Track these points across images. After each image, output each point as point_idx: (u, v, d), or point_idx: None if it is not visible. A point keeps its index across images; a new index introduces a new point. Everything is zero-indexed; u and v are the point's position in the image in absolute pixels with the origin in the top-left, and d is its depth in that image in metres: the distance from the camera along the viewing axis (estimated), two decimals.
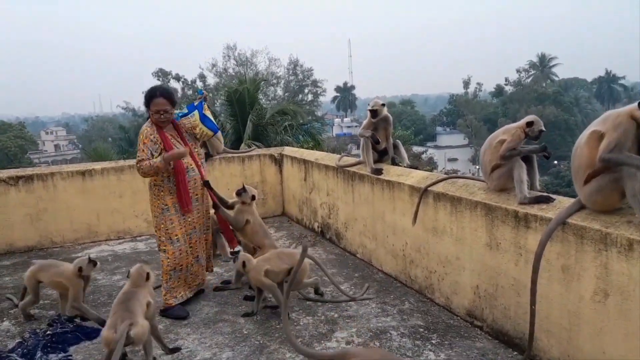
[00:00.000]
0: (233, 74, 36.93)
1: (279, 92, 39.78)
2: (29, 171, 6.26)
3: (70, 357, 3.46)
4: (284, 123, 17.44)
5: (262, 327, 3.79)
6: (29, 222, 6.06)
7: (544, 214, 3.01)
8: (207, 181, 4.23)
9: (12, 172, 6.23)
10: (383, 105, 4.79)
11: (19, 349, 3.56)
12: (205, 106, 4.27)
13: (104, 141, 40.53)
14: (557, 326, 2.95)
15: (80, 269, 3.84)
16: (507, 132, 3.44)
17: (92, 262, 3.92)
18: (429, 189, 4.00)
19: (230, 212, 4.45)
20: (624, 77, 67.65)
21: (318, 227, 6.25)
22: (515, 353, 3.25)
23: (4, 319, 4.17)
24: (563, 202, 3.04)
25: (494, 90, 62.94)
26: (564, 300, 2.90)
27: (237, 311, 4.09)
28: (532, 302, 2.92)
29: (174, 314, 4.01)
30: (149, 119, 4.04)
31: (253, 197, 4.42)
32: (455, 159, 55.63)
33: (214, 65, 37.95)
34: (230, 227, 4.43)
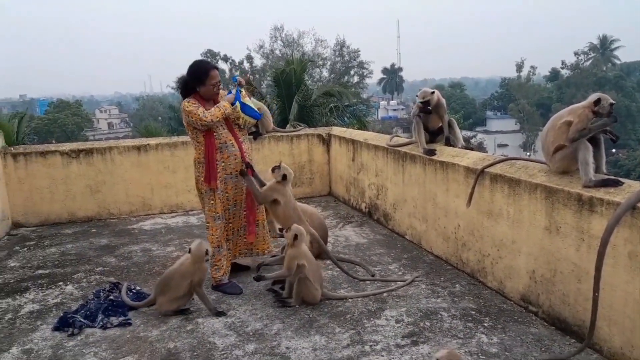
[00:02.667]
0: (280, 55, 37.06)
1: (325, 73, 39.63)
2: (88, 145, 6.54)
3: (129, 320, 3.63)
4: (329, 105, 17.40)
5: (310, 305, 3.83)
6: (89, 194, 6.36)
7: (612, 198, 2.86)
8: (249, 163, 4.15)
9: (74, 145, 6.51)
10: (432, 93, 4.62)
11: (82, 311, 3.76)
12: (243, 93, 4.16)
13: (154, 120, 41.80)
14: (621, 315, 2.82)
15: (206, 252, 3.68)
16: (572, 113, 3.27)
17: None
18: (485, 170, 3.88)
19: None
20: None
21: (365, 207, 6.22)
22: (573, 340, 3.14)
23: (68, 283, 4.40)
24: (633, 186, 2.88)
25: (549, 74, 60.24)
26: (629, 288, 2.76)
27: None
28: (596, 289, 2.79)
29: (228, 290, 4.08)
30: (191, 96, 3.98)
31: (284, 177, 4.10)
32: (505, 145, 53.95)
33: (261, 47, 38.20)
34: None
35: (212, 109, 3.93)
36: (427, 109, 4.60)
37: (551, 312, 3.35)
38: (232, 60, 39.77)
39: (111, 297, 3.95)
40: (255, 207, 4.26)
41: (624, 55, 63.09)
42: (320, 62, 37.61)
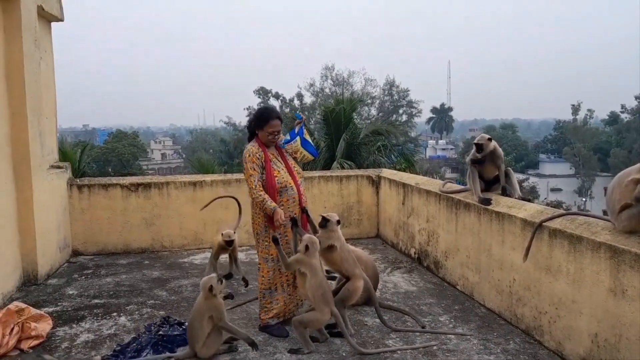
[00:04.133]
0: (329, 93, 37.79)
1: (373, 111, 40.00)
2: (147, 179, 6.83)
3: (172, 358, 3.65)
4: (377, 143, 17.45)
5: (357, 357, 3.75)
6: (144, 226, 6.60)
7: None
8: (305, 208, 4.19)
9: (134, 179, 6.83)
10: (490, 139, 4.59)
11: (134, 344, 3.85)
12: (305, 130, 4.30)
13: (206, 152, 43.26)
14: None
15: (210, 288, 3.70)
16: None
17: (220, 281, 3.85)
18: (544, 224, 3.76)
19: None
20: None
21: (415, 253, 6.11)
22: None
23: (122, 314, 4.54)
24: None
25: (607, 117, 58.12)
26: None
27: (332, 332, 4.09)
28: None
29: (274, 332, 4.06)
30: (254, 139, 4.14)
31: (338, 222, 4.16)
32: (559, 189, 51.95)
33: (311, 85, 39.17)
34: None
35: (261, 193, 3.93)
36: (479, 155, 4.55)
37: None
38: (283, 97, 40.91)
39: (161, 332, 4.02)
40: None
41: None
42: (369, 101, 38.03)
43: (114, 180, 6.72)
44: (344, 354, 3.71)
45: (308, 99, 39.07)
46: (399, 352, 3.73)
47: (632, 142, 44.35)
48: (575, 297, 3.48)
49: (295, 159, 4.33)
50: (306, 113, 35.02)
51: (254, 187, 3.99)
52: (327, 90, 38.82)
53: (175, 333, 4.01)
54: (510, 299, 4.20)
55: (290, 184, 4.11)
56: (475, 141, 4.59)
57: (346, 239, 5.72)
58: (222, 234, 5.17)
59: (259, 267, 4.16)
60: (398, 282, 5.35)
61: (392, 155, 17.80)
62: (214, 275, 3.84)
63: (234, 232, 5.25)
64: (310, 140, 4.36)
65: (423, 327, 4.15)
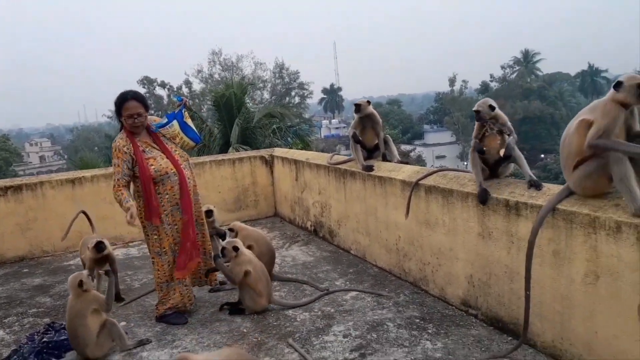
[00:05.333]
0: (219, 79, 36.93)
1: (266, 95, 39.90)
2: (17, 181, 6.21)
3: None
4: (272, 126, 17.50)
5: (260, 325, 3.81)
6: (19, 232, 6.01)
7: (534, 202, 3.07)
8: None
9: (1, 182, 6.16)
10: (368, 102, 4.84)
11: (15, 357, 3.54)
12: (186, 114, 4.04)
13: (90, 151, 40.18)
14: (550, 310, 3.01)
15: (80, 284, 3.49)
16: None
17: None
18: (420, 182, 4.05)
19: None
20: (606, 70, 68.53)
21: (311, 225, 6.27)
22: (510, 338, 3.30)
23: None
24: (552, 189, 3.10)
25: (479, 87, 63.47)
26: (556, 285, 2.95)
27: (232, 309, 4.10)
28: (527, 288, 2.97)
29: (172, 320, 3.95)
30: (122, 130, 3.88)
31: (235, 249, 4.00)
32: (443, 156, 55.95)
33: (199, 71, 37.98)
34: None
35: (119, 192, 3.74)
36: (357, 114, 4.85)
37: (489, 313, 3.51)
38: (170, 86, 39.20)
39: (45, 339, 3.73)
40: (199, 236, 4.13)
41: (545, 67, 67.81)
42: (261, 85, 37.81)
43: None
44: (244, 330, 3.74)
45: (197, 85, 37.88)
46: (298, 319, 3.85)
47: (501, 107, 48.65)
48: (451, 245, 3.82)
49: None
50: (197, 100, 33.90)
51: (115, 185, 3.78)
52: (216, 76, 37.91)
53: (62, 338, 3.73)
54: (398, 256, 4.50)
55: (171, 169, 3.85)
56: (355, 102, 4.78)
57: (244, 221, 5.77)
58: (88, 247, 4.23)
59: (152, 261, 3.98)
60: (296, 255, 5.47)
61: (288, 137, 17.95)
62: (82, 272, 3.59)
63: (104, 241, 4.30)
64: (192, 125, 4.09)
65: (326, 290, 4.30)
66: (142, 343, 3.63)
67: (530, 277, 2.97)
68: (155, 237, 3.89)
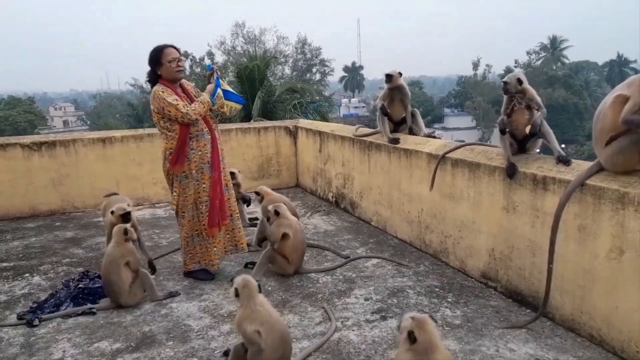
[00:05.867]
0: (241, 51, 36.76)
1: (287, 70, 39.69)
2: (51, 137, 6.39)
3: (93, 310, 3.59)
4: (292, 101, 17.51)
5: (284, 285, 3.95)
6: (51, 187, 6.22)
7: (562, 177, 3.11)
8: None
9: (36, 138, 6.36)
10: (400, 74, 4.85)
11: (52, 300, 3.73)
12: (222, 81, 4.10)
13: (113, 118, 40.68)
14: (572, 284, 3.07)
15: (126, 231, 3.70)
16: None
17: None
18: (446, 155, 4.10)
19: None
20: (635, 61, 66.63)
21: (332, 197, 6.37)
22: (529, 310, 3.38)
23: (35, 274, 4.34)
24: (581, 165, 3.13)
25: (503, 72, 62.26)
26: (579, 259, 3.01)
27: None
28: (550, 261, 3.04)
29: (200, 276, 4.11)
30: (158, 83, 3.88)
31: (276, 213, 4.13)
32: (462, 141, 55.39)
33: (222, 43, 37.81)
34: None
35: (194, 104, 3.83)
36: (387, 85, 4.82)
37: (509, 286, 3.59)
38: (193, 56, 39.15)
39: (81, 286, 3.93)
40: (226, 198, 4.20)
41: (573, 54, 66.07)
42: (283, 60, 37.63)
43: (13, 139, 6.21)
44: (269, 289, 3.87)
45: (219, 57, 37.73)
46: (321, 281, 3.98)
47: None
48: (475, 218, 3.88)
49: (222, 113, 4.14)
50: (218, 72, 33.94)
51: (186, 109, 3.77)
52: (238, 48, 37.71)
53: (97, 285, 3.93)
54: (420, 228, 4.58)
55: (205, 128, 3.96)
56: (386, 72, 4.78)
57: None
58: (112, 211, 4.12)
59: (182, 214, 4.07)
60: (318, 224, 5.59)
61: (308, 113, 17.97)
62: (127, 225, 3.77)
63: (129, 205, 4.25)
64: (231, 90, 4.18)
65: (347, 257, 4.42)
66: (171, 295, 3.80)
67: (554, 251, 3.03)
68: (188, 193, 3.95)
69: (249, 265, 4.29)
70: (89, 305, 3.65)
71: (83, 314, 3.55)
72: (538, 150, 3.60)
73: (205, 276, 4.12)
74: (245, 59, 24.91)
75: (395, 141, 4.84)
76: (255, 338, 2.54)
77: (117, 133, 6.61)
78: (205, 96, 3.93)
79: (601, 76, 67.75)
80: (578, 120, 46.11)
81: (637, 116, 2.61)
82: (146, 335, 3.24)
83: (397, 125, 5.05)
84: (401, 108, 4.95)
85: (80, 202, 6.37)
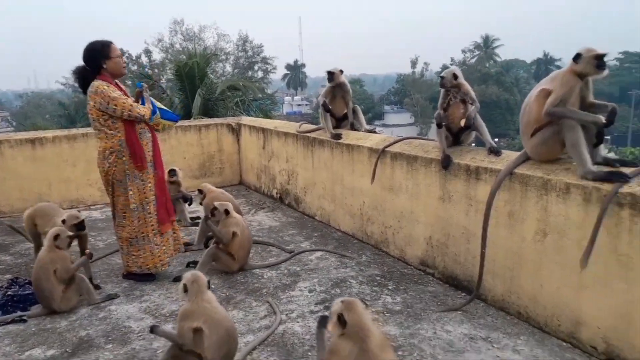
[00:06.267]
0: (180, 49, 35.85)
1: (228, 68, 39.14)
2: None
3: (23, 317, 3.41)
4: (234, 99, 17.29)
5: (228, 282, 3.93)
6: None
7: (493, 166, 3.29)
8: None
9: None
10: (341, 71, 4.95)
11: None
12: (154, 100, 4.06)
13: (42, 118, 38.40)
14: (502, 267, 3.27)
15: (56, 237, 3.49)
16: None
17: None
18: (386, 149, 4.22)
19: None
20: (560, 59, 70.96)
21: (277, 193, 6.38)
22: (464, 294, 3.56)
23: None
24: (510, 155, 3.33)
25: (440, 70, 64.50)
26: (509, 243, 3.21)
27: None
28: (483, 246, 3.22)
29: (139, 278, 3.99)
30: (98, 79, 3.73)
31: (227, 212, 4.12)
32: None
33: (160, 41, 36.74)
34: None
35: (142, 107, 3.83)
36: (329, 83, 4.91)
37: (445, 271, 3.76)
38: (129, 54, 37.69)
39: (9, 293, 3.72)
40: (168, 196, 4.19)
41: (504, 53, 69.53)
42: (224, 57, 37.04)
43: None
44: (213, 287, 3.84)
45: (157, 55, 36.63)
46: (265, 276, 3.99)
47: None
48: (413, 209, 4.03)
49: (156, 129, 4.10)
50: (156, 70, 32.91)
51: (137, 107, 3.74)
52: (177, 45, 36.79)
53: (27, 292, 3.74)
54: (362, 220, 4.69)
55: (145, 127, 3.92)
56: (328, 70, 4.87)
57: None
58: (63, 220, 3.77)
59: (124, 215, 3.89)
60: (262, 220, 5.59)
61: (251, 111, 17.81)
62: (63, 228, 3.59)
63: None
64: (164, 107, 4.22)
65: (292, 252, 4.45)
66: (110, 297, 3.68)
67: (486, 237, 3.21)
68: (131, 191, 3.83)
69: (191, 265, 4.22)
70: (19, 313, 3.47)
71: (13, 322, 3.37)
72: (470, 142, 3.78)
73: (146, 278, 4.01)
74: (184, 56, 24.29)
75: (338, 137, 4.92)
76: (188, 336, 2.51)
77: (49, 133, 6.27)
78: (147, 106, 3.90)
79: (529, 73, 71.67)
80: (510, 115, 48.48)
81: (559, 108, 2.81)
82: (83, 339, 3.13)
83: (340, 121, 5.14)
84: (343, 105, 5.04)
85: (7, 206, 5.99)
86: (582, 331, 2.81)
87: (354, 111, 5.12)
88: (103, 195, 6.16)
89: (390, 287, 3.73)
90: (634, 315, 2.54)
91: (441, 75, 3.67)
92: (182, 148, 6.96)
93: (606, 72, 2.77)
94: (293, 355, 2.88)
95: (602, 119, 2.76)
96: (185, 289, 2.64)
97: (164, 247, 4.02)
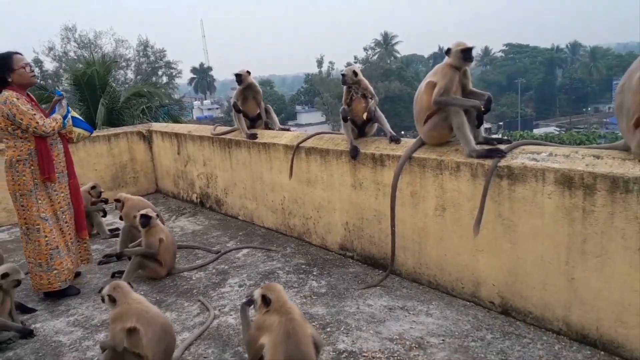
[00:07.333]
0: (75, 57, 33.75)
1: (130, 75, 37.50)
2: None
3: None
4: (140, 106, 16.74)
5: (157, 287, 3.98)
6: None
7: (395, 153, 3.68)
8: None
9: None
10: (248, 72, 5.13)
11: None
12: (70, 109, 4.04)
13: None
14: (411, 242, 3.66)
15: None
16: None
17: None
18: (300, 145, 4.49)
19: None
20: None
21: (197, 197, 6.42)
22: (381, 271, 3.93)
23: None
24: (408, 142, 3.73)
25: (344, 68, 66.43)
26: (414, 220, 3.61)
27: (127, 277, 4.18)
28: (392, 225, 3.59)
29: (66, 292, 3.90)
30: (8, 89, 3.66)
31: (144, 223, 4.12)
32: None
33: (51, 49, 34.31)
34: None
35: (49, 119, 3.74)
36: (239, 85, 5.09)
37: (363, 252, 4.11)
38: None
39: None
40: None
41: (403, 49, 73.29)
42: (124, 64, 35.43)
43: None
44: (142, 293, 3.88)
45: (49, 65, 34.22)
46: (194, 277, 4.09)
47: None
48: (330, 198, 4.34)
49: (69, 139, 4.08)
50: (49, 81, 30.74)
51: (43, 121, 3.65)
52: (71, 54, 34.59)
53: None
54: (284, 214, 4.92)
55: (57, 137, 3.91)
56: (235, 72, 5.05)
57: None
58: None
59: (38, 227, 3.77)
60: (184, 225, 5.63)
61: (159, 117, 17.32)
62: None
63: None
64: (80, 117, 4.21)
65: (218, 252, 4.57)
66: (23, 334, 3.32)
67: (394, 216, 3.59)
68: (41, 201, 3.76)
69: (116, 275, 4.21)
70: None
71: None
72: (374, 133, 4.16)
73: (70, 291, 3.94)
74: (81, 65, 22.95)
75: (253, 136, 5.11)
76: (120, 337, 2.57)
77: None
78: (56, 115, 3.85)
79: (428, 67, 75.95)
80: (412, 109, 51.22)
81: (444, 97, 3.23)
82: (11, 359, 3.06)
83: (253, 121, 5.33)
84: (255, 105, 5.23)
85: None
86: (482, 290, 3.27)
87: (267, 111, 5.33)
88: (10, 216, 5.85)
89: (315, 273, 4.00)
90: (519, 270, 3.02)
91: (342, 73, 3.99)
92: (92, 160, 6.76)
93: (473, 63, 3.25)
94: (230, 345, 3.05)
95: (481, 104, 3.23)
96: (111, 299, 2.70)
97: (73, 256, 4.02)
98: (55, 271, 3.85)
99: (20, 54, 3.79)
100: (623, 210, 2.51)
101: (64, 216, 3.89)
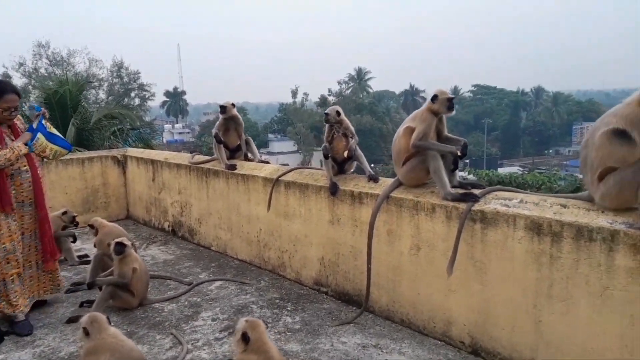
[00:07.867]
0: (46, 74, 33.21)
1: (102, 95, 37.06)
2: None
3: None
4: (111, 127, 16.54)
5: (128, 318, 3.90)
6: None
7: (373, 191, 3.79)
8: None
9: None
10: (233, 105, 5.22)
11: None
12: (48, 124, 3.96)
13: None
14: (385, 279, 3.74)
15: None
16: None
17: None
18: (280, 178, 4.55)
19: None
20: (424, 90, 78.51)
21: (169, 226, 6.36)
22: (355, 308, 3.97)
23: None
24: (386, 181, 3.86)
25: (318, 100, 67.51)
26: (389, 258, 3.69)
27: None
28: (368, 262, 3.66)
29: (17, 329, 3.69)
30: None
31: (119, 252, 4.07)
32: (286, 164, 57.87)
33: (21, 65, 33.67)
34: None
35: (4, 150, 3.60)
36: (222, 115, 5.16)
37: (337, 288, 4.16)
38: None
39: None
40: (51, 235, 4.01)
41: (375, 84, 75.12)
42: (97, 83, 35.03)
43: None
44: (112, 324, 3.79)
45: (18, 80, 33.45)
46: (166, 310, 4.04)
47: None
48: (307, 232, 4.39)
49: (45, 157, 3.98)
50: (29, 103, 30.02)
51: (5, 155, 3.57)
52: (42, 70, 34.02)
53: None
54: (259, 247, 4.94)
55: (24, 166, 3.76)
56: (220, 104, 5.12)
57: None
58: None
59: None
60: (155, 254, 5.55)
61: (130, 140, 17.12)
62: None
63: None
64: (58, 134, 4.05)
65: (190, 284, 4.53)
66: None
67: (371, 253, 3.66)
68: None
69: (85, 304, 4.11)
70: None
71: None
72: (352, 171, 4.28)
73: (22, 330, 3.69)
74: (51, 82, 22.55)
75: (233, 167, 5.15)
76: None
77: None
78: (18, 143, 3.70)
79: (398, 103, 78.12)
80: (383, 142, 52.19)
81: (422, 142, 3.38)
82: None
83: (233, 152, 5.37)
84: (236, 136, 5.29)
85: None
86: (453, 329, 3.36)
87: (247, 142, 5.40)
88: None
89: (289, 308, 4.01)
90: (490, 311, 3.13)
91: (326, 112, 4.13)
92: (63, 183, 6.63)
93: (454, 112, 3.43)
94: None
95: (457, 150, 3.40)
96: (87, 332, 2.66)
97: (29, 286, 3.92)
98: (9, 302, 3.70)
99: (16, 92, 3.75)
100: (587, 258, 2.66)
101: (22, 246, 3.79)
